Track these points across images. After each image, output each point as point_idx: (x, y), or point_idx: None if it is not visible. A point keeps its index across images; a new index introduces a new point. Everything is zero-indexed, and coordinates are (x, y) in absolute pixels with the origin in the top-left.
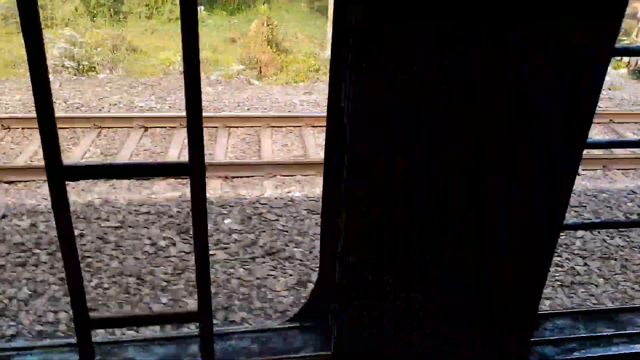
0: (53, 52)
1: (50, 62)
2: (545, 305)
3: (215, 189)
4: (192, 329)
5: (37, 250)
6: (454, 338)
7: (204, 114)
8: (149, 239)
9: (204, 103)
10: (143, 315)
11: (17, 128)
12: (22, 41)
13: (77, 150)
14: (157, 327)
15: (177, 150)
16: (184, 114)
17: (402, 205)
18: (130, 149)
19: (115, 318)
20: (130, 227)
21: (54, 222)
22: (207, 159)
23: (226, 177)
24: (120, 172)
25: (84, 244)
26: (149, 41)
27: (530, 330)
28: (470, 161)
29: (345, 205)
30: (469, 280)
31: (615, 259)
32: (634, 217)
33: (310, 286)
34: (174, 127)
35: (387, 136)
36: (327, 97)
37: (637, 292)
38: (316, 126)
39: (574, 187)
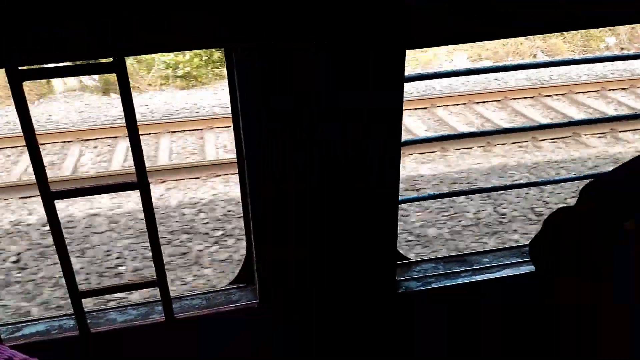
0: None
1: None
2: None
3: None
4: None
5: None
6: (345, 281)
7: None
8: None
9: None
10: (118, 284)
11: None
12: None
13: None
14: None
15: None
16: None
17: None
18: None
19: (98, 289)
20: None
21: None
22: None
23: None
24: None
25: None
26: None
27: (392, 271)
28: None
29: (251, 197)
30: (348, 241)
31: None
32: None
33: None
34: None
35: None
36: None
37: None
38: None
39: None
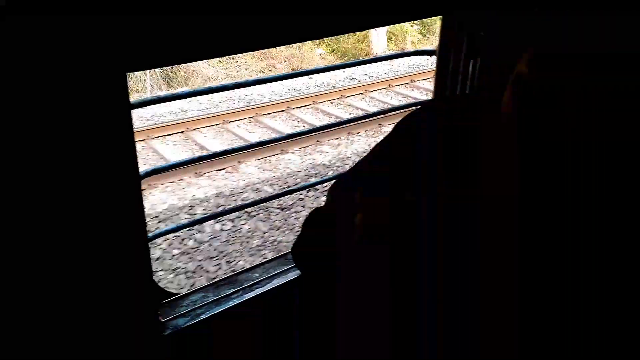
0: None
1: None
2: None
3: None
4: None
5: None
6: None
7: None
8: None
9: None
10: None
11: None
12: None
13: None
14: None
15: None
16: None
17: None
18: None
19: None
20: None
21: None
22: None
23: None
24: None
25: None
26: None
27: (153, 314)
28: None
29: None
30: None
31: None
32: None
33: None
34: None
35: None
36: None
37: None
38: None
39: None
